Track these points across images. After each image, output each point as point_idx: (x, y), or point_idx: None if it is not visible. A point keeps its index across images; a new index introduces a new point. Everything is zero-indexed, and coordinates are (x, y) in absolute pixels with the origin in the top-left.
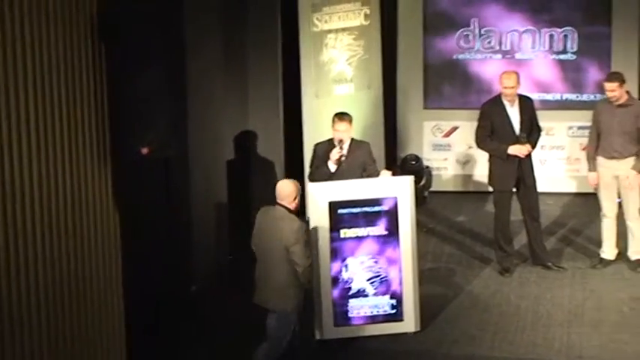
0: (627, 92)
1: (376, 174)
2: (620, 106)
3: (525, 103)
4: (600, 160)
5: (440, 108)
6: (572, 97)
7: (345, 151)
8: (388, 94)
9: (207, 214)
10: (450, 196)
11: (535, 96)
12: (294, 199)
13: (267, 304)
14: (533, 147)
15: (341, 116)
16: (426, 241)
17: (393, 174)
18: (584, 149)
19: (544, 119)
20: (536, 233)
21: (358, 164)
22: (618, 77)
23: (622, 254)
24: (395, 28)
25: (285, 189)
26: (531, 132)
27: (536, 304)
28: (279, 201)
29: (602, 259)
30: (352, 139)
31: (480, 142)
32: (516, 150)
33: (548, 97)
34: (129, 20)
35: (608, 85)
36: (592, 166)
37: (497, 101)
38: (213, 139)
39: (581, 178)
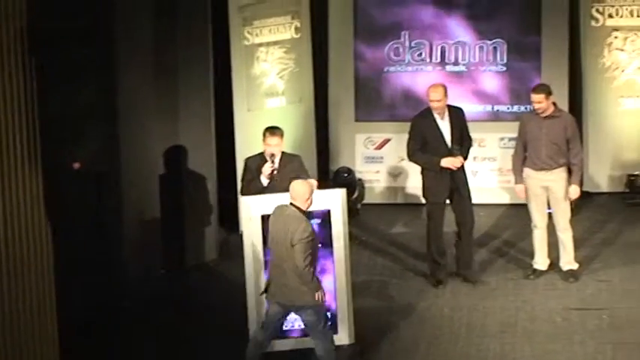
0: (554, 104)
1: None
2: (547, 117)
3: (456, 114)
4: (529, 172)
5: (371, 120)
6: (504, 108)
7: (276, 165)
8: (320, 107)
9: (139, 229)
10: (383, 208)
11: (467, 107)
12: (307, 199)
13: (295, 303)
14: (465, 158)
15: (272, 131)
16: (360, 253)
17: (319, 187)
18: None
19: (476, 130)
20: (466, 246)
21: (290, 178)
22: (544, 89)
23: (554, 265)
24: (326, 41)
25: (298, 189)
26: (462, 143)
27: (470, 316)
28: (292, 201)
29: (534, 270)
30: (283, 153)
31: (412, 156)
32: (449, 162)
33: (480, 108)
34: (61, 36)
35: (534, 97)
36: (519, 178)
37: (427, 114)
38: (145, 154)
39: (512, 189)
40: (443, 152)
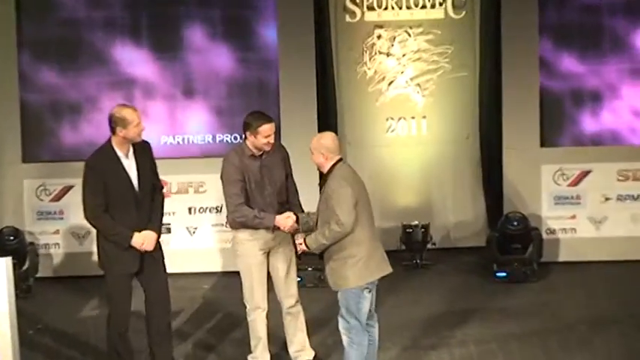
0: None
1: None
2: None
3: (142, 149)
4: None
5: (45, 161)
6: None
7: None
8: None
9: None
10: (68, 283)
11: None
12: None
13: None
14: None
15: None
16: (37, 344)
17: None
18: None
19: None
20: (160, 334)
21: None
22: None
23: None
24: None
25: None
26: (154, 195)
27: None
28: (339, 155)
29: None
30: None
31: (94, 217)
32: (139, 243)
33: None
34: None
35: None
36: None
37: (107, 151)
38: None
39: None
40: (131, 204)
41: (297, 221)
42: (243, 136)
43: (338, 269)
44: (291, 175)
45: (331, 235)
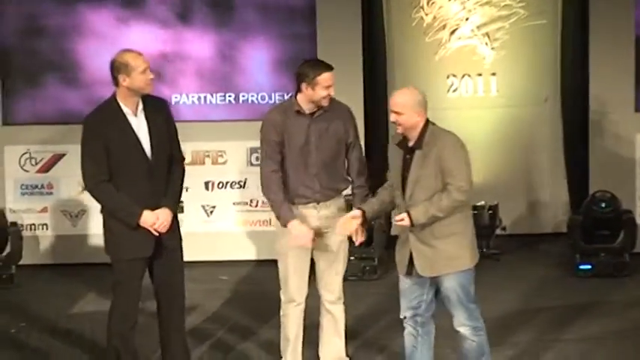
0: None
1: None
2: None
3: (156, 107)
4: None
5: (30, 122)
6: None
7: None
8: None
9: None
10: (58, 271)
11: None
12: None
13: None
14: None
15: None
16: (21, 344)
17: None
18: None
19: None
20: (174, 332)
21: None
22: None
23: None
24: None
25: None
26: (172, 158)
27: None
28: None
29: None
30: None
31: (94, 188)
32: (149, 222)
33: None
34: None
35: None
36: None
37: (112, 105)
38: None
39: None
40: (142, 170)
41: (363, 220)
42: (297, 89)
43: (448, 249)
44: (359, 144)
45: (451, 204)
